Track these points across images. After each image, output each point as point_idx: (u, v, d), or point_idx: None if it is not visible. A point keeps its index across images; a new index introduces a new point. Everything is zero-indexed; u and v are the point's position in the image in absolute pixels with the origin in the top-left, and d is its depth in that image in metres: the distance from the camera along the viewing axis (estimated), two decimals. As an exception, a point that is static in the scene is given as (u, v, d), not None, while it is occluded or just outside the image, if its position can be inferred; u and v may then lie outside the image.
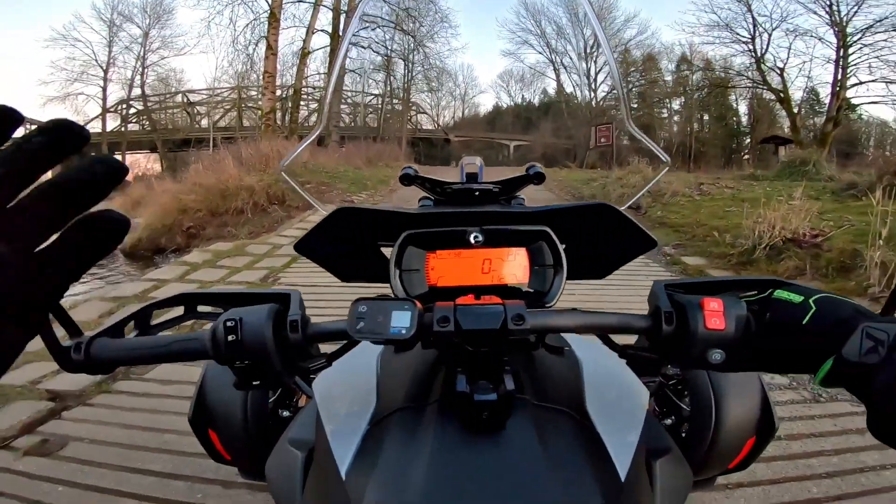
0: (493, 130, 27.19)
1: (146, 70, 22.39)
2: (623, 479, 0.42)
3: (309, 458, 0.71)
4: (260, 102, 17.74)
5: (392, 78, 23.57)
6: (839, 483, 1.47)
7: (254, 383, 0.43)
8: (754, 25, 19.77)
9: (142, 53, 22.04)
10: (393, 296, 0.53)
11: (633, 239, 0.56)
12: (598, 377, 0.55)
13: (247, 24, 19.83)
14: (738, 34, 20.33)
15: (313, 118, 20.60)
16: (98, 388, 2.05)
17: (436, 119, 27.96)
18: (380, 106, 23.11)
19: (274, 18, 15.93)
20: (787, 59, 19.69)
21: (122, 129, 21.89)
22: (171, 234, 6.41)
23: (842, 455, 1.60)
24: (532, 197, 0.64)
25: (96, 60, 21.69)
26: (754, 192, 6.69)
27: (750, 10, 19.62)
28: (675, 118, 24.95)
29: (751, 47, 20.21)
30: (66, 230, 0.24)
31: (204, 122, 21.79)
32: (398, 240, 0.53)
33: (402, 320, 0.41)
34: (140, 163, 21.15)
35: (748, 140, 23.85)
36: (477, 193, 0.56)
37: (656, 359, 0.45)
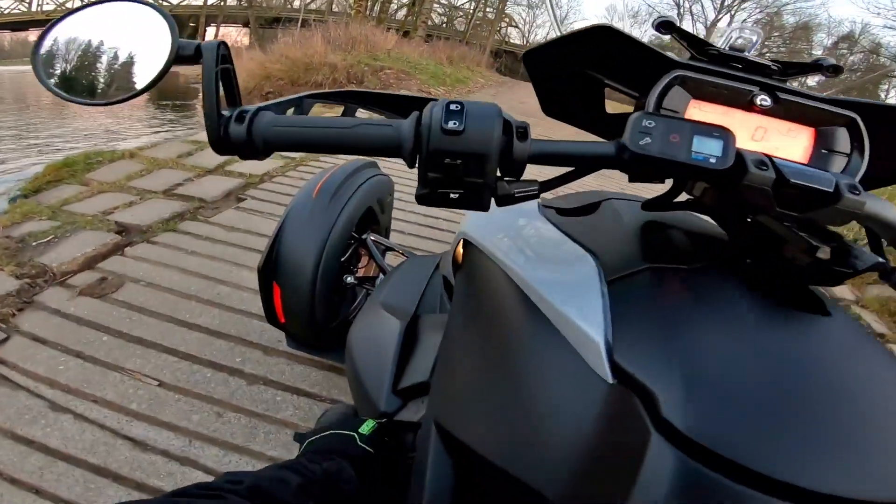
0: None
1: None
2: None
3: (409, 326, 0.68)
4: (353, -12, 17.51)
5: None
6: None
7: (451, 196, 0.35)
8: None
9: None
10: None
11: None
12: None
13: None
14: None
15: (402, 12, 20.31)
16: (164, 226, 2.00)
17: (526, 36, 26.72)
18: (471, 10, 22.33)
19: None
20: None
21: (222, 3, 22.69)
22: (251, 97, 6.78)
23: None
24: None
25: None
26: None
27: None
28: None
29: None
30: None
31: (296, 3, 22.35)
32: (667, 76, 0.46)
33: (710, 147, 0.34)
34: (231, 35, 22.31)
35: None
36: (741, 66, 0.46)
37: None
